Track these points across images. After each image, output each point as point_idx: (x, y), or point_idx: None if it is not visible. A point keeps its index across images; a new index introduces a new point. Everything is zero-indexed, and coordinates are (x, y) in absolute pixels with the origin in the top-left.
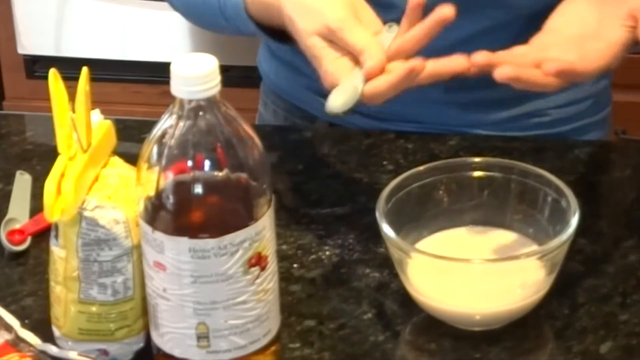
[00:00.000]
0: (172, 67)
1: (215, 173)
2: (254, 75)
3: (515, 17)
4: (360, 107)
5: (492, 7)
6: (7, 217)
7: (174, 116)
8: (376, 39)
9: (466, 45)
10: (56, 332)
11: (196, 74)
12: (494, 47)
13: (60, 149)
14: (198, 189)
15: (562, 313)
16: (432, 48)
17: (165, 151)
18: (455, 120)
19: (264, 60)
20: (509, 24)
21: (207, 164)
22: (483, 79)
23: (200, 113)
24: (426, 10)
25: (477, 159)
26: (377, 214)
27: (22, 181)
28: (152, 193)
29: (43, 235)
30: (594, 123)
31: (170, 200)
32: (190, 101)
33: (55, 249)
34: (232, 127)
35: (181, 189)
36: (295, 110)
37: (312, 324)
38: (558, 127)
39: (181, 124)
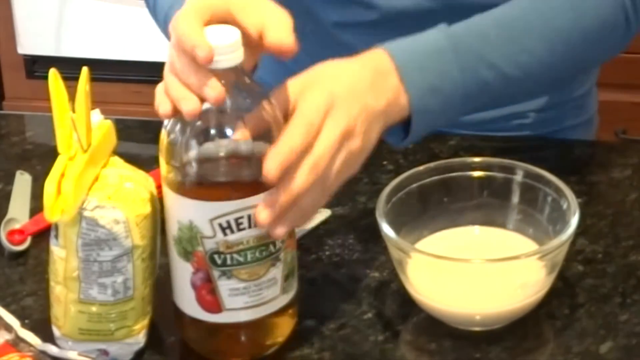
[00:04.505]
0: None
1: (240, 143)
2: None
3: None
4: None
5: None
6: (7, 217)
7: None
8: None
9: None
10: (56, 332)
11: (221, 44)
12: None
13: (60, 149)
14: (223, 158)
15: (562, 313)
16: None
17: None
18: None
19: None
20: None
21: (230, 133)
22: None
23: (223, 82)
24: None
25: (477, 159)
26: (377, 214)
27: (22, 181)
28: (178, 164)
29: (43, 235)
30: (577, 125)
31: (195, 169)
32: (214, 71)
33: (55, 249)
34: (255, 98)
35: (206, 158)
36: None
37: (312, 324)
38: (539, 129)
39: None
